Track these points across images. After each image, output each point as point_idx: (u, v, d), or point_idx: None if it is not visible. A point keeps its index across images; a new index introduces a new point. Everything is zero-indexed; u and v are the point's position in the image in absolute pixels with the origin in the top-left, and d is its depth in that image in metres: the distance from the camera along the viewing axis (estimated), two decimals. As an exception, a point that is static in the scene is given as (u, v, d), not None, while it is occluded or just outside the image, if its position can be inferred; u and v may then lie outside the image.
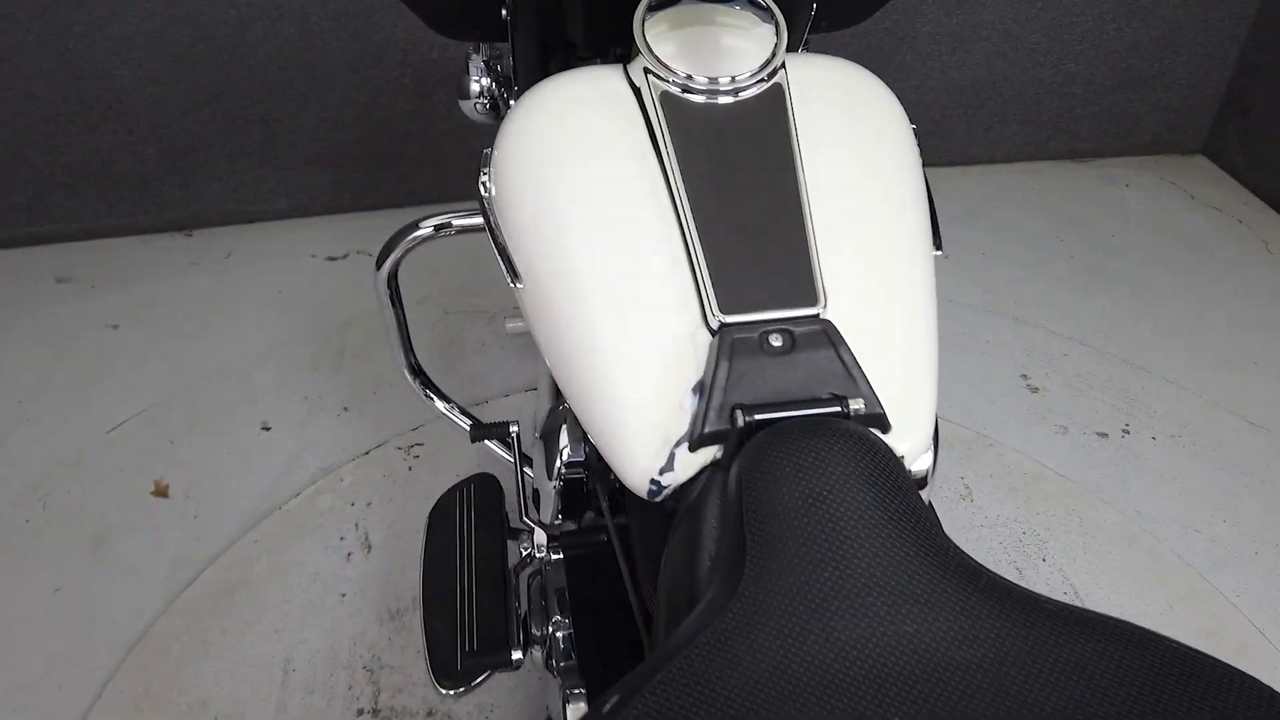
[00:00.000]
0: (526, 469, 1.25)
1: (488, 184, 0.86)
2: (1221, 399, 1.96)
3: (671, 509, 0.70)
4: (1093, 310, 2.19)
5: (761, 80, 0.78)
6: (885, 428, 0.67)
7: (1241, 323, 2.16)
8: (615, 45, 0.97)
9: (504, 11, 1.01)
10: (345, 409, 1.88)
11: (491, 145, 0.86)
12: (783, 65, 0.80)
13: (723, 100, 0.78)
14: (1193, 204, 2.57)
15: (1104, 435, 1.88)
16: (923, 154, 0.85)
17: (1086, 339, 2.11)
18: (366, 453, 1.77)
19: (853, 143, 0.83)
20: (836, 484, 0.60)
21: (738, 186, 0.75)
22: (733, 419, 0.65)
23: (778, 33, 0.80)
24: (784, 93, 0.79)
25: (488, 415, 1.83)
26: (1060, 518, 1.67)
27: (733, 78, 0.77)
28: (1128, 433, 1.88)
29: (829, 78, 0.86)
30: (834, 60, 0.89)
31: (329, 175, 2.40)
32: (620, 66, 0.85)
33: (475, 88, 1.16)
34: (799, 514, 0.58)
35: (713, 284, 0.70)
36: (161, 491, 1.69)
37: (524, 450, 1.22)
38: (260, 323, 2.10)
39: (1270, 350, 2.09)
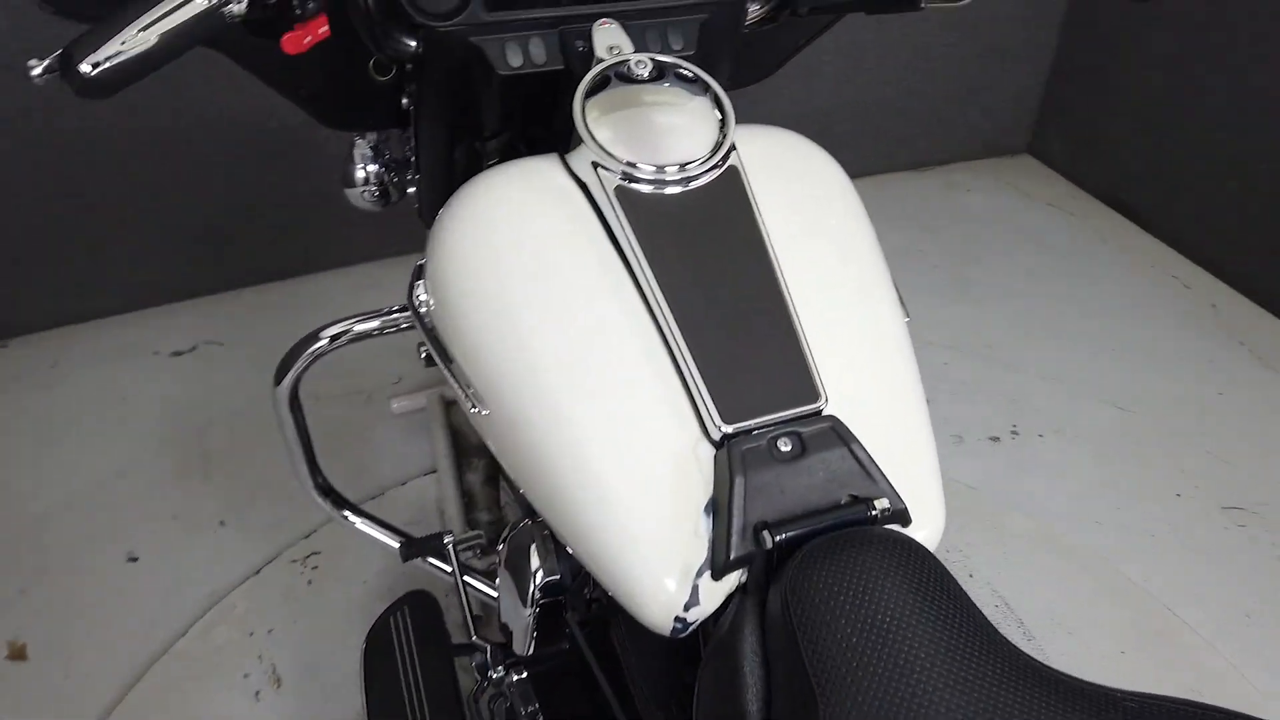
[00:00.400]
0: (469, 578, 1.15)
1: (424, 299, 0.78)
2: (1090, 388, 2.06)
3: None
4: (961, 315, 2.27)
5: (716, 165, 0.74)
6: (907, 521, 0.65)
7: (1092, 312, 2.30)
8: (536, 128, 0.90)
9: (404, 101, 0.93)
10: (222, 523, 1.70)
11: (424, 255, 0.79)
12: (733, 145, 0.76)
13: (680, 189, 0.73)
14: (1029, 202, 2.73)
15: (996, 439, 1.94)
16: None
17: (961, 345, 2.18)
18: (257, 572, 1.60)
19: (815, 220, 0.80)
20: (892, 607, 0.57)
21: (714, 282, 0.71)
22: (758, 539, 0.60)
23: (722, 110, 0.76)
24: (740, 175, 0.75)
25: (386, 508, 1.70)
26: (977, 530, 1.71)
27: (686, 164, 0.73)
28: (1016, 434, 1.95)
29: (776, 150, 0.83)
30: (774, 131, 0.86)
31: (161, 259, 2.19)
32: (556, 157, 0.79)
33: (362, 175, 1.07)
34: (864, 650, 0.55)
35: (709, 391, 0.65)
36: (18, 653, 1.47)
37: (462, 560, 1.12)
38: (106, 437, 1.88)
39: (1122, 335, 2.22)
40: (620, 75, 0.77)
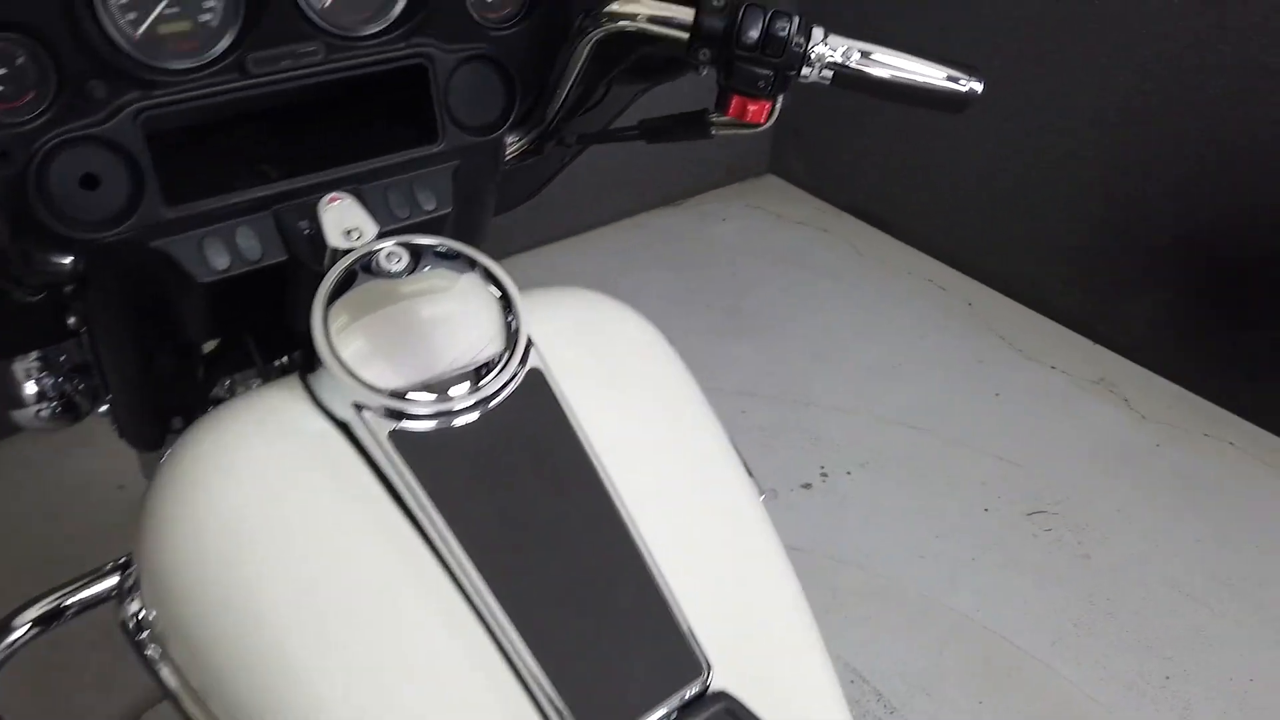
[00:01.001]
0: None
1: (138, 612, 0.56)
2: (881, 412, 2.06)
3: None
4: (745, 355, 2.21)
5: (514, 375, 0.56)
6: None
7: (863, 329, 2.31)
8: (264, 319, 0.70)
9: (71, 320, 0.69)
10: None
11: (134, 541, 0.57)
12: (530, 342, 0.59)
13: (474, 416, 0.55)
14: (781, 223, 2.73)
15: (808, 486, 1.88)
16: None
17: (752, 388, 2.12)
18: None
19: (642, 408, 0.65)
20: None
21: (540, 536, 0.55)
22: None
23: (508, 302, 0.59)
24: (545, 377, 0.58)
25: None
26: (815, 597, 1.62)
27: (478, 380, 0.55)
28: (826, 475, 1.91)
29: (578, 325, 0.68)
30: (568, 296, 0.70)
31: None
32: (300, 386, 0.58)
33: (34, 390, 0.81)
34: None
35: (558, 691, 0.49)
36: None
37: None
38: None
39: (896, 348, 2.25)
40: (367, 269, 0.58)
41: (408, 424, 0.54)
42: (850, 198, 2.74)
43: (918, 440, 1.99)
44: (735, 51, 0.66)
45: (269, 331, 0.73)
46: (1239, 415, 2.05)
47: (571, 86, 0.77)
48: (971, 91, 0.68)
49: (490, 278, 0.61)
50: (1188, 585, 1.68)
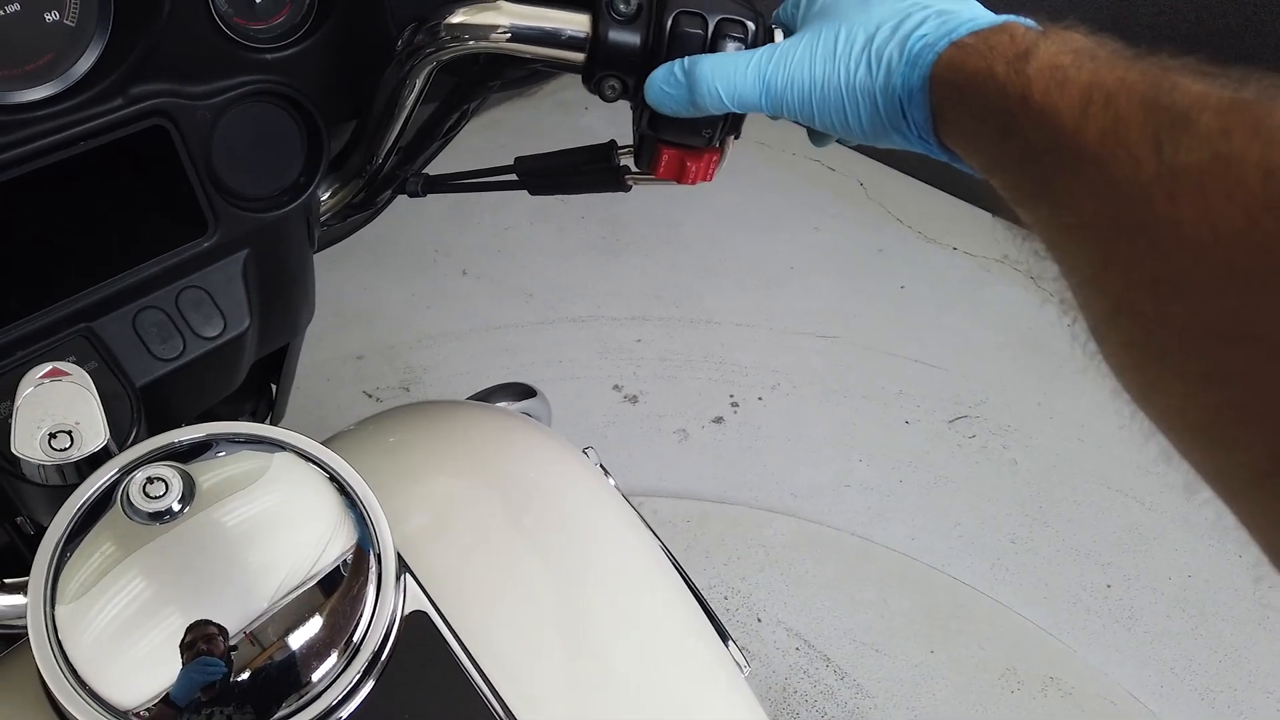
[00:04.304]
0: None
1: None
2: (787, 322, 1.90)
3: None
4: (631, 274, 1.99)
5: (379, 654, 0.37)
6: None
7: (754, 230, 2.12)
8: None
9: None
10: None
11: None
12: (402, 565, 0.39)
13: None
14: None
15: (719, 420, 1.73)
16: None
17: (646, 311, 1.91)
18: None
19: (585, 600, 0.46)
20: None
21: None
22: None
23: (355, 507, 0.38)
24: (433, 624, 0.39)
25: None
26: (746, 556, 1.50)
27: (309, 677, 0.35)
28: (737, 405, 1.75)
29: (466, 486, 0.47)
30: (440, 430, 0.49)
31: None
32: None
33: None
34: None
35: None
36: None
37: None
38: None
39: (791, 242, 2.07)
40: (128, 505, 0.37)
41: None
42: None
43: (826, 350, 1.85)
44: None
45: None
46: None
47: (408, 119, 0.52)
48: None
49: (367, 510, 0.39)
50: (1117, 480, 1.63)
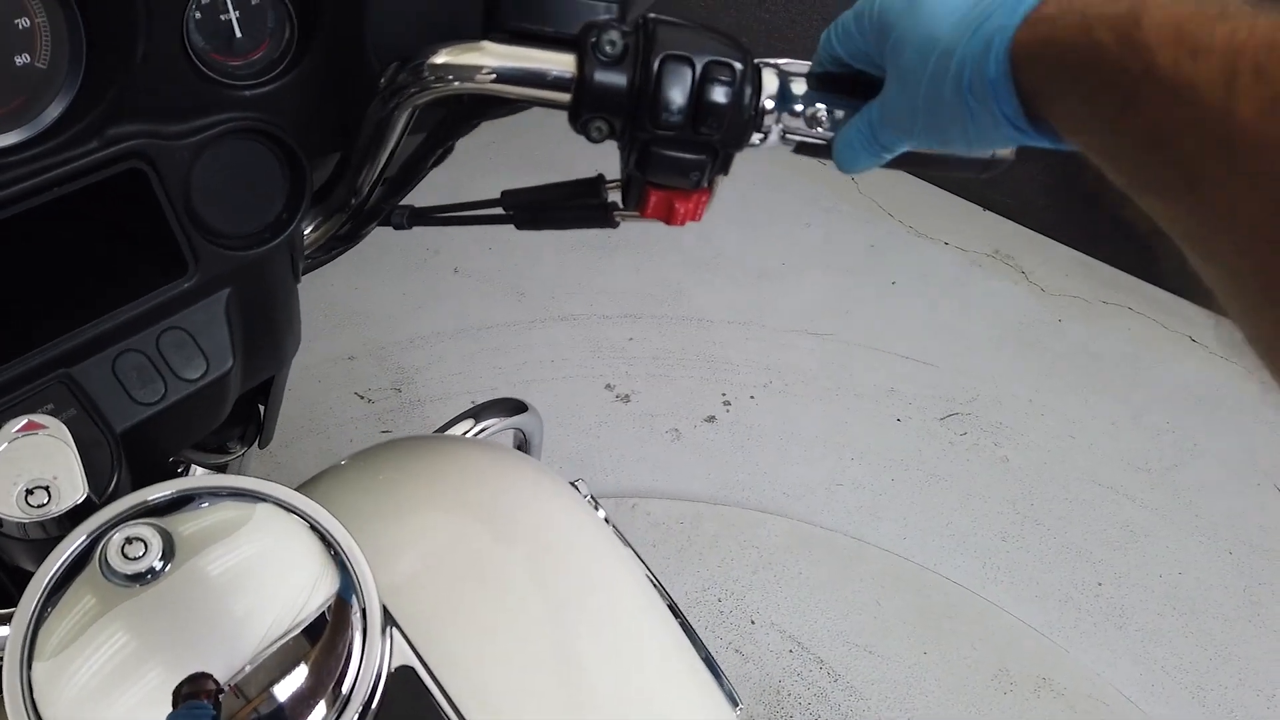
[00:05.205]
0: None
1: None
2: (778, 320, 1.90)
3: None
4: (622, 272, 1.98)
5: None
6: None
7: (745, 225, 2.11)
8: None
9: None
10: None
11: None
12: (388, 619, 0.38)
13: None
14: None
15: (712, 419, 1.72)
16: None
17: (636, 309, 1.91)
18: None
19: (582, 645, 0.45)
20: None
21: None
22: None
23: (351, 573, 0.38)
24: (417, 675, 0.39)
25: None
26: (738, 557, 1.50)
27: None
28: (729, 404, 1.75)
29: (445, 529, 0.46)
30: (419, 471, 0.48)
31: None
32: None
33: None
34: None
35: None
36: None
37: None
38: None
39: (787, 245, 2.07)
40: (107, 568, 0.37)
41: None
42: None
43: (818, 348, 1.85)
44: (651, 130, 0.42)
45: None
46: (1134, 275, 1.98)
47: (393, 153, 0.51)
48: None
49: (350, 565, 0.39)
50: (1107, 477, 1.63)
